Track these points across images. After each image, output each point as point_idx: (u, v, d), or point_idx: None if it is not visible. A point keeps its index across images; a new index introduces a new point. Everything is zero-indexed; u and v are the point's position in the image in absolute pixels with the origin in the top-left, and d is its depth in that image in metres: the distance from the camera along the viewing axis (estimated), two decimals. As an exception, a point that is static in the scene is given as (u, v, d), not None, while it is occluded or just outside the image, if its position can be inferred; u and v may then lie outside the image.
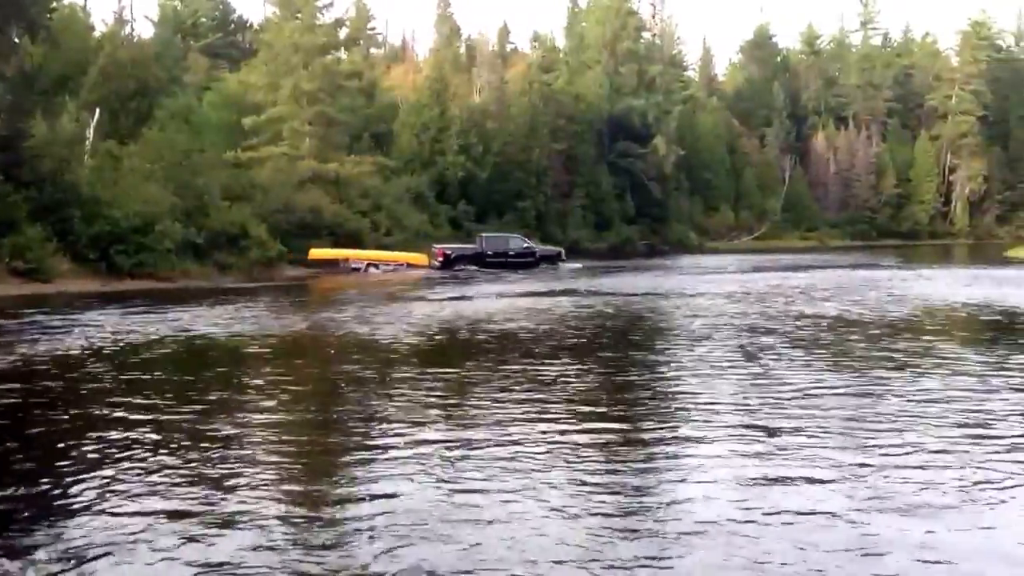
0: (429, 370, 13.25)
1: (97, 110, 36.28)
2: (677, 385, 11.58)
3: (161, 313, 20.27)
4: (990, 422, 9.35)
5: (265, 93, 46.69)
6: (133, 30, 62.38)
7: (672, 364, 13.47)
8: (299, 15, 47.16)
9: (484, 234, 42.64)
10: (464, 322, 18.80)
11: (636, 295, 25.61)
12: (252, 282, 30.97)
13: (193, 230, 31.92)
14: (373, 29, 79.48)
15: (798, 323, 18.19)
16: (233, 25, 76.12)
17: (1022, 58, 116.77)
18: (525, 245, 41.05)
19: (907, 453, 8.10)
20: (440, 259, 38.66)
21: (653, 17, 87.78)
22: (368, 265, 37.47)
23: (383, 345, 15.58)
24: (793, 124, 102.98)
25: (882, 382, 11.51)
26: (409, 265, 38.32)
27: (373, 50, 77.27)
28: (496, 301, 23.83)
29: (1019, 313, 20.18)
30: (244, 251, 34.11)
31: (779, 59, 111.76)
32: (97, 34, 46.97)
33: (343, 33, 53.65)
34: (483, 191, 56.65)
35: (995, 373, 12.26)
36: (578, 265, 40.92)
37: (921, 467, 7.69)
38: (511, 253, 39.87)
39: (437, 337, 16.90)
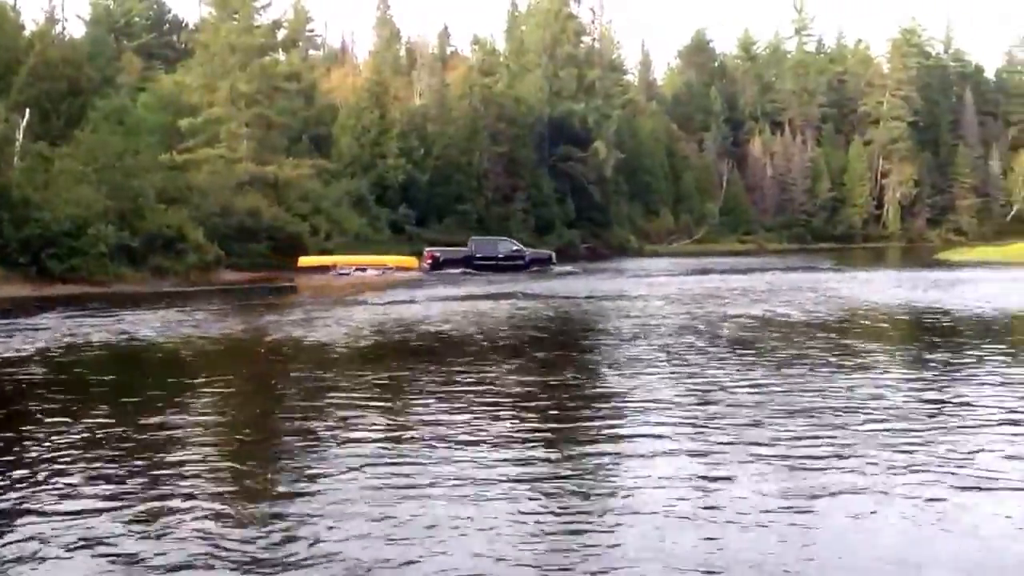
0: (348, 372, 13.28)
1: (27, 111, 35.36)
2: (600, 383, 11.66)
3: (100, 318, 19.88)
4: (891, 417, 9.57)
5: (201, 95, 45.99)
6: (64, 29, 61.01)
7: (598, 362, 13.60)
8: (236, 16, 46.56)
9: (475, 237, 43.42)
10: (399, 325, 18.73)
11: (578, 298, 25.73)
12: (190, 286, 30.49)
13: (127, 234, 31.28)
14: (312, 31, 78.99)
15: (734, 323, 18.44)
16: (168, 25, 74.90)
17: (950, 65, 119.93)
18: (514, 248, 41.34)
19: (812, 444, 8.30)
20: (429, 262, 39.20)
21: (592, 22, 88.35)
22: (355, 269, 37.84)
23: (312, 348, 15.54)
24: (730, 129, 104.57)
25: (795, 379, 11.71)
26: (398, 268, 38.63)
27: (312, 52, 76.70)
28: (440, 304, 23.75)
29: (941, 314, 20.66)
30: (181, 255, 33.53)
31: (716, 64, 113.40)
32: (27, 33, 45.79)
33: (281, 34, 53.09)
34: (424, 194, 56.51)
35: (905, 371, 12.57)
36: (569, 267, 41.12)
37: (826, 457, 7.90)
38: (500, 256, 40.23)
39: (368, 340, 16.83)
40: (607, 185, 77.22)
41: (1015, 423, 9.34)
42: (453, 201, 59.13)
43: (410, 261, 39.46)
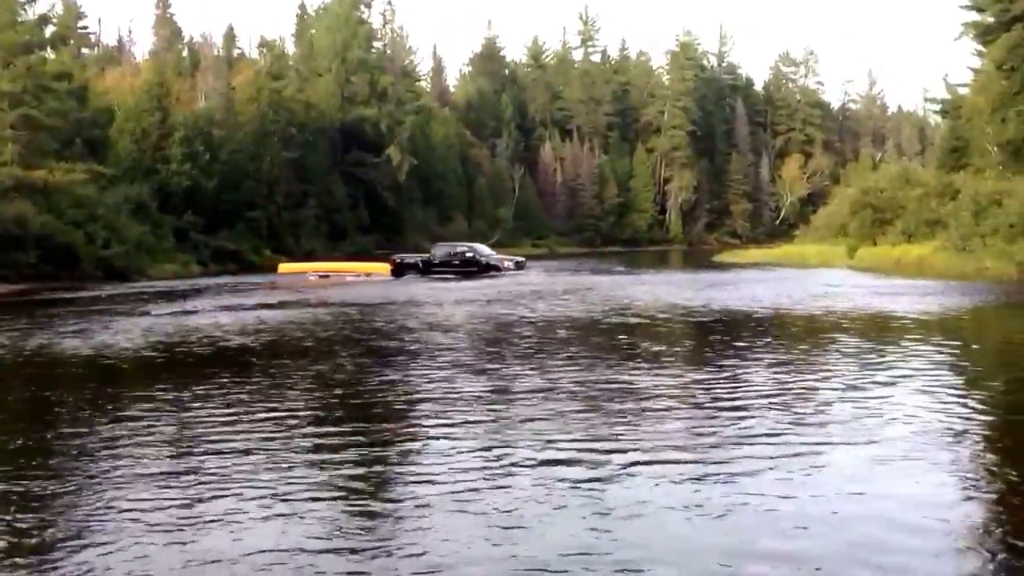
0: (93, 383, 12.94)
1: None
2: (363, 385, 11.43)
3: None
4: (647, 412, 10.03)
5: (-41, 93, 42.33)
6: None
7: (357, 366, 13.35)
8: (-3, 9, 43.19)
9: (439, 243, 44.66)
10: (163, 337, 17.74)
11: (371, 304, 25.29)
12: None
13: None
14: (85, 28, 74.25)
15: (527, 326, 18.58)
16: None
17: (723, 77, 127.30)
18: (469, 254, 40.53)
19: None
20: (392, 268, 39.71)
21: (384, 27, 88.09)
22: (320, 276, 39.24)
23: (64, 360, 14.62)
24: (522, 135, 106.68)
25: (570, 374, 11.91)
26: (367, 275, 39.65)
27: (85, 50, 72.11)
28: (222, 314, 22.69)
29: (717, 312, 21.64)
30: (-65, 266, 30.69)
31: (507, 72, 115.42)
32: None
33: (49, 31, 49.69)
34: (211, 200, 54.25)
35: (662, 365, 13.05)
36: (529, 274, 40.05)
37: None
38: (456, 262, 39.71)
39: (123, 351, 15.96)
40: (401, 191, 77.10)
41: (743, 408, 10.07)
42: (243, 207, 57.18)
43: (381, 268, 40.33)
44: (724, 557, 5.62)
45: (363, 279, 39.06)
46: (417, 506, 6.74)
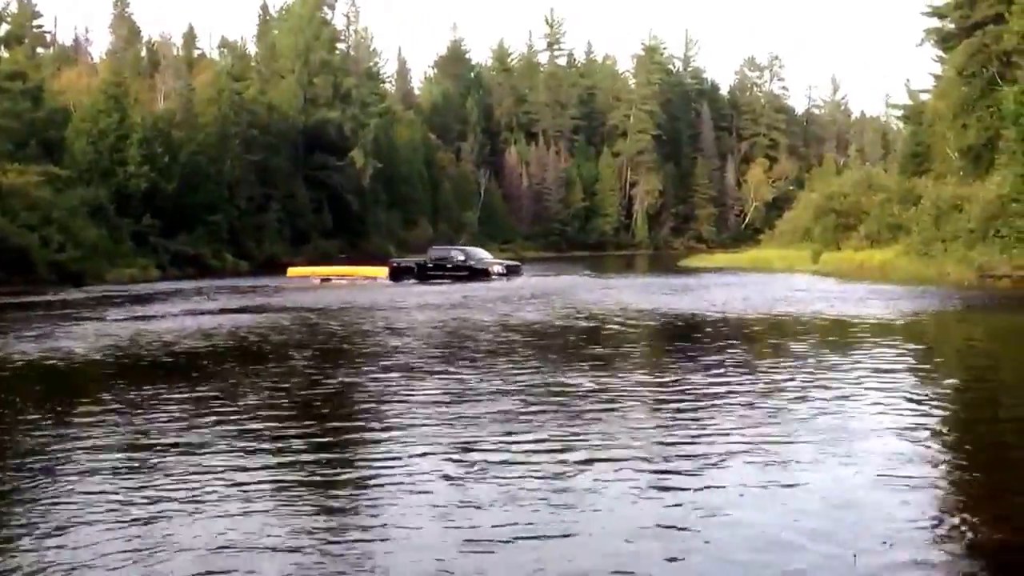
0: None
1: None
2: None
3: None
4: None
5: (-92, 93, 41.40)
6: None
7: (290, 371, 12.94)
8: (-52, 7, 42.30)
9: (434, 247, 44.38)
10: (118, 341, 17.23)
11: (333, 308, 24.85)
12: None
13: None
14: (40, 27, 72.87)
15: (491, 331, 18.23)
16: None
17: (689, 82, 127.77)
18: (461, 258, 40.32)
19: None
20: (389, 272, 39.97)
21: (348, 28, 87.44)
22: (323, 280, 39.81)
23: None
24: (487, 139, 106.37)
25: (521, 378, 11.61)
26: (365, 279, 40.21)
27: (40, 50, 70.76)
28: (185, 319, 22.13)
29: (686, 316, 21.44)
30: None
31: (473, 75, 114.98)
32: None
33: (3, 30, 48.82)
34: (171, 203, 53.30)
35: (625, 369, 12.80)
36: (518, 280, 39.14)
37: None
38: (449, 266, 39.51)
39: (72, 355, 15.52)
40: (364, 194, 76.53)
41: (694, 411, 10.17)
42: (203, 210, 56.24)
43: (380, 272, 40.68)
44: (630, 535, 6.09)
45: (361, 282, 39.30)
46: (368, 495, 7.13)
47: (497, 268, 40.30)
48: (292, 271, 42.07)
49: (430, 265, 39.80)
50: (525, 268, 43.68)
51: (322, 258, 57.88)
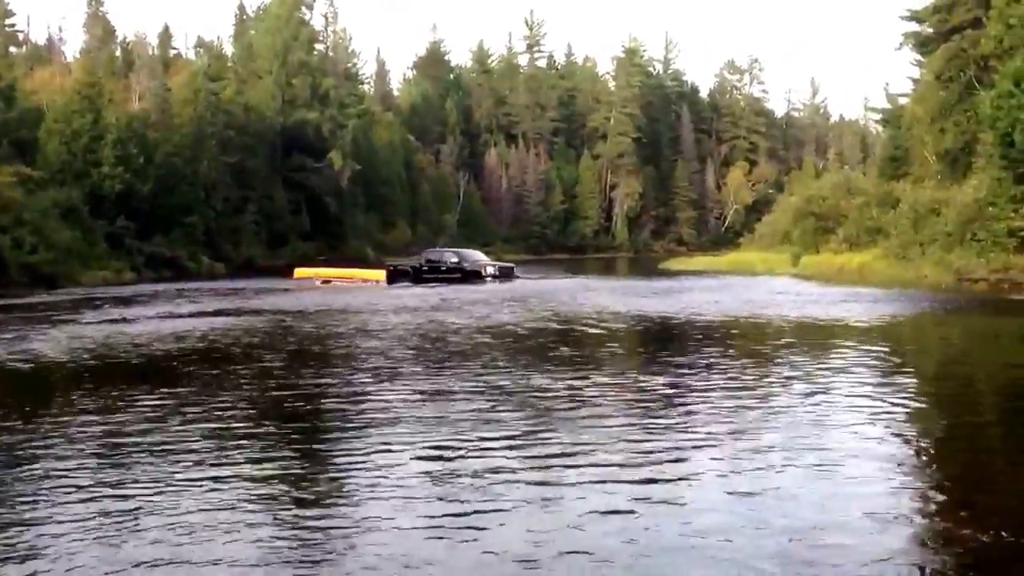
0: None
1: None
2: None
3: None
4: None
5: None
6: None
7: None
8: (-83, 5, 41.60)
9: (429, 249, 44.87)
10: (88, 345, 16.84)
11: (307, 311, 24.51)
12: None
13: None
14: (12, 26, 72.11)
15: (472, 336, 17.95)
16: None
17: (669, 84, 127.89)
18: (454, 260, 40.26)
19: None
20: (386, 275, 39.93)
21: (326, 28, 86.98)
22: (324, 281, 40.01)
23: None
24: (467, 141, 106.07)
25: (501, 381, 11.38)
26: (364, 281, 40.38)
27: (12, 49, 69.94)
28: (160, 322, 21.71)
29: (668, 319, 21.25)
30: None
31: (452, 76, 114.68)
32: None
33: (-25, 28, 48.04)
34: (146, 205, 52.70)
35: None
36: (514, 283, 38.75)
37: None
38: (443, 268, 39.39)
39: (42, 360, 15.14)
40: (343, 196, 76.08)
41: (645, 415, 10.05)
42: (179, 212, 55.61)
43: (379, 275, 40.68)
44: (591, 521, 6.31)
45: (360, 284, 39.30)
46: (341, 488, 7.30)
47: (490, 270, 40.14)
48: (298, 272, 42.67)
49: (424, 268, 39.82)
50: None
51: (301, 260, 57.31)
